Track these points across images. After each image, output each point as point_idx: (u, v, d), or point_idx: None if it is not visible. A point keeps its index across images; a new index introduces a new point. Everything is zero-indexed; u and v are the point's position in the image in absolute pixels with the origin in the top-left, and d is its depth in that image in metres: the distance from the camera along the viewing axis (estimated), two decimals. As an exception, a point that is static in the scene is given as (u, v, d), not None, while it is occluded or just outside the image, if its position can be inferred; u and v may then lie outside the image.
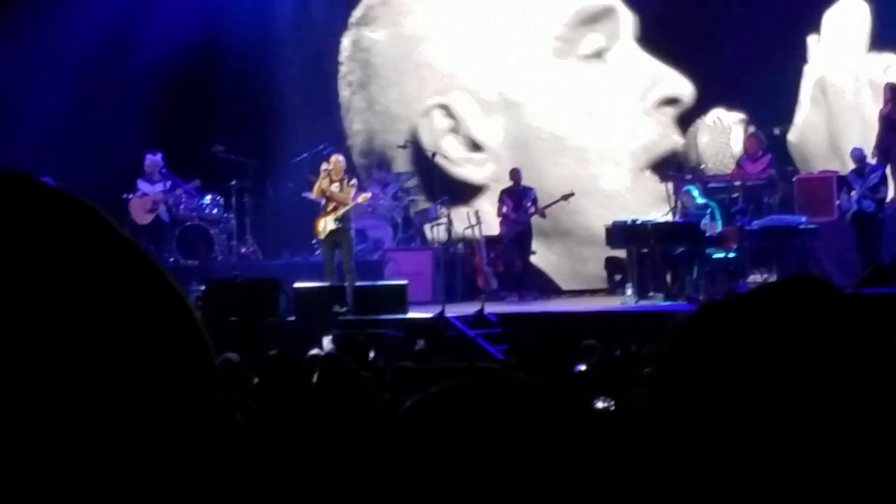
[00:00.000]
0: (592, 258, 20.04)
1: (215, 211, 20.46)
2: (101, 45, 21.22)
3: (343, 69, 22.28)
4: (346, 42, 22.21)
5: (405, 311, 16.36)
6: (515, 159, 20.56)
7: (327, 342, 14.66)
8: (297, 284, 16.87)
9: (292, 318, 16.40)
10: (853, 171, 17.96)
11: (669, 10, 20.25)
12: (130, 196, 19.73)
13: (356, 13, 22.12)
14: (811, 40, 20.33)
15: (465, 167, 21.15)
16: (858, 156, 18.00)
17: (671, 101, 20.76)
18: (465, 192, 20.98)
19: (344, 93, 22.31)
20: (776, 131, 20.28)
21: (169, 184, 19.74)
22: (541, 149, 20.94)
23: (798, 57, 20.40)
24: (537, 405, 1.33)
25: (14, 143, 20.03)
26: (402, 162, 21.67)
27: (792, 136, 20.37)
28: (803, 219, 18.13)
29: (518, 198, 19.23)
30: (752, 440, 1.30)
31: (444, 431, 1.30)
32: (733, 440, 1.31)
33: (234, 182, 20.62)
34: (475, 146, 21.34)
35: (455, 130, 21.34)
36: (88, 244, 0.99)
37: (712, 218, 17.95)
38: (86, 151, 20.34)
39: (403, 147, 21.35)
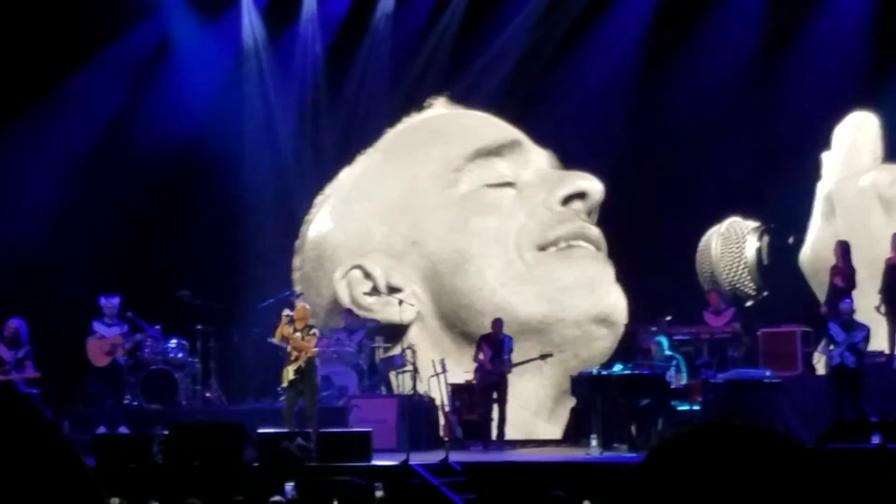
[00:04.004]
0: (530, 345, 20.55)
1: (180, 355, 20.39)
2: (68, 188, 21.40)
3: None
4: (307, 238, 22.68)
5: (369, 459, 16.24)
6: (431, 289, 21.67)
7: (290, 489, 14.55)
8: (261, 430, 16.77)
9: (256, 464, 16.26)
10: (838, 324, 17.82)
11: (679, 128, 21.04)
12: (87, 338, 19.60)
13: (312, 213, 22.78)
14: (825, 157, 20.63)
15: (386, 311, 21.34)
16: (847, 309, 17.91)
17: (578, 196, 21.60)
18: (393, 333, 21.34)
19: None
20: (790, 240, 20.50)
21: (126, 327, 19.65)
22: (447, 269, 21.83)
23: (811, 171, 20.68)
24: None
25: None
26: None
27: (804, 254, 20.61)
28: (767, 372, 18.19)
29: (497, 347, 19.31)
30: None
31: None
32: None
33: (199, 326, 20.60)
34: (394, 290, 21.86)
35: (375, 288, 21.85)
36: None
37: (678, 370, 18.02)
38: (52, 290, 20.37)
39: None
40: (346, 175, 22.69)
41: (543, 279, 21.37)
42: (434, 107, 22.62)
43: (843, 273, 18.91)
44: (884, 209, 20.03)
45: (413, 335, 21.46)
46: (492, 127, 22.27)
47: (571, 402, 20.12)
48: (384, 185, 22.42)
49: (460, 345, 21.11)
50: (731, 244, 20.99)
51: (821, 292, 19.96)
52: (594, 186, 21.52)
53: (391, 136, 22.72)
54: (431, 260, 21.93)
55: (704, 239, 21.14)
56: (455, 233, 21.87)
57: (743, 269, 20.81)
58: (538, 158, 22.03)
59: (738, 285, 20.84)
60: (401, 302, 20.53)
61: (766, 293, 19.92)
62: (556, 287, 21.31)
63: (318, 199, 22.64)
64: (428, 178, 22.16)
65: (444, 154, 22.20)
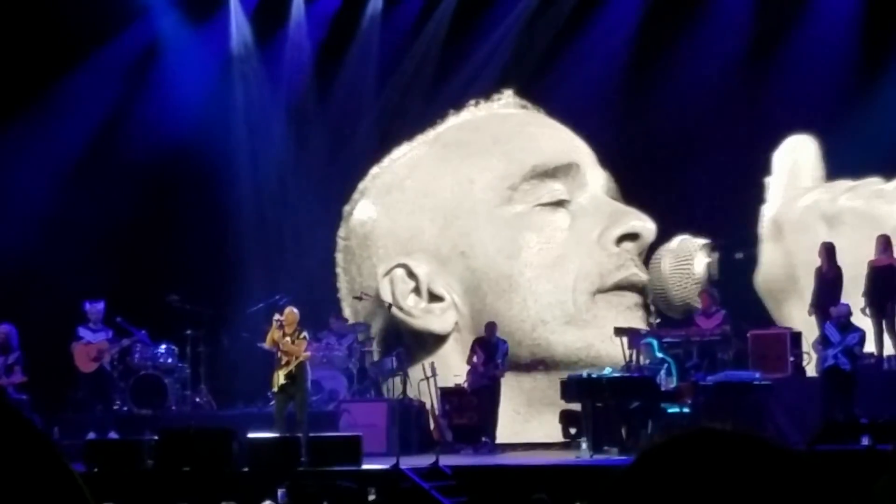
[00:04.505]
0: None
1: (170, 360, 20.37)
2: (56, 192, 21.39)
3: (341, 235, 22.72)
4: (356, 212, 22.56)
5: (359, 464, 16.24)
6: (472, 304, 21.44)
7: (281, 494, 14.55)
8: (251, 435, 16.76)
9: (246, 469, 16.24)
10: (833, 325, 17.80)
11: (635, 151, 21.30)
12: (73, 343, 19.55)
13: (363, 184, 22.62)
14: (767, 181, 20.84)
15: (426, 319, 21.40)
16: (845, 312, 17.85)
17: (631, 237, 21.41)
18: (428, 343, 21.41)
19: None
20: (738, 255, 20.70)
21: (112, 332, 19.62)
22: (492, 290, 21.61)
23: (757, 189, 20.90)
24: None
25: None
26: (362, 314, 21.85)
27: (758, 277, 20.81)
28: (757, 375, 18.22)
29: (490, 350, 19.31)
30: None
31: None
32: None
33: (188, 331, 20.57)
34: (435, 297, 21.69)
35: (417, 289, 21.71)
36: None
37: (668, 373, 18.04)
38: (40, 295, 20.34)
39: (359, 299, 21.51)
40: (404, 153, 22.49)
41: (589, 323, 21.21)
42: (501, 100, 22.33)
43: (829, 275, 18.97)
44: (828, 225, 20.31)
45: (449, 347, 21.37)
46: (554, 142, 21.97)
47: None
48: (439, 182, 22.17)
49: None
50: (681, 261, 21.23)
51: (776, 311, 20.37)
52: (647, 227, 21.33)
53: (454, 127, 22.40)
54: (477, 276, 21.73)
55: (656, 256, 21.38)
56: (507, 258, 21.64)
57: (693, 285, 20.99)
58: (594, 183, 21.72)
59: (689, 300, 20.97)
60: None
61: (716, 307, 20.05)
62: (599, 333, 21.04)
63: (374, 171, 22.48)
64: (483, 188, 21.91)
65: (502, 167, 21.88)
